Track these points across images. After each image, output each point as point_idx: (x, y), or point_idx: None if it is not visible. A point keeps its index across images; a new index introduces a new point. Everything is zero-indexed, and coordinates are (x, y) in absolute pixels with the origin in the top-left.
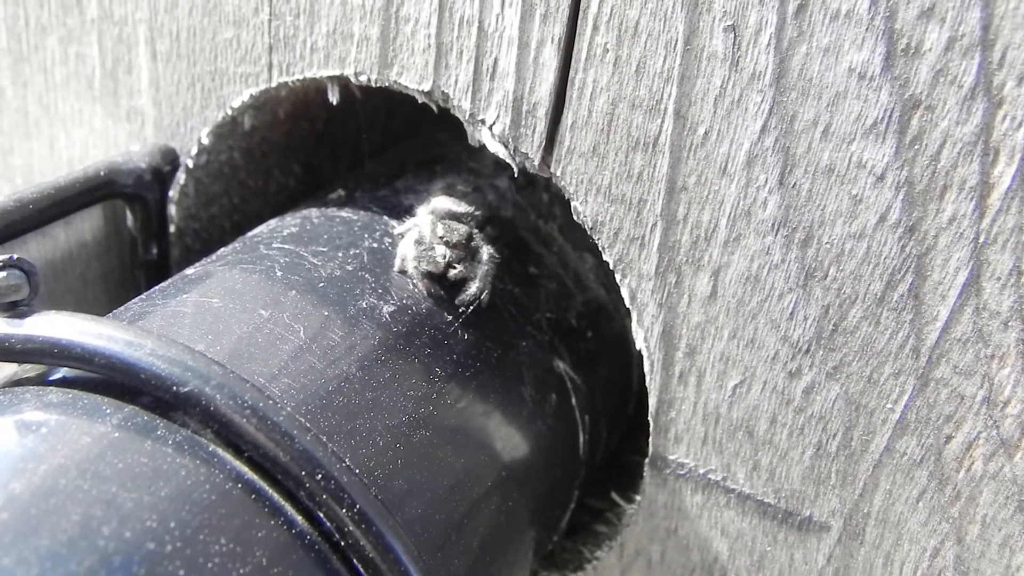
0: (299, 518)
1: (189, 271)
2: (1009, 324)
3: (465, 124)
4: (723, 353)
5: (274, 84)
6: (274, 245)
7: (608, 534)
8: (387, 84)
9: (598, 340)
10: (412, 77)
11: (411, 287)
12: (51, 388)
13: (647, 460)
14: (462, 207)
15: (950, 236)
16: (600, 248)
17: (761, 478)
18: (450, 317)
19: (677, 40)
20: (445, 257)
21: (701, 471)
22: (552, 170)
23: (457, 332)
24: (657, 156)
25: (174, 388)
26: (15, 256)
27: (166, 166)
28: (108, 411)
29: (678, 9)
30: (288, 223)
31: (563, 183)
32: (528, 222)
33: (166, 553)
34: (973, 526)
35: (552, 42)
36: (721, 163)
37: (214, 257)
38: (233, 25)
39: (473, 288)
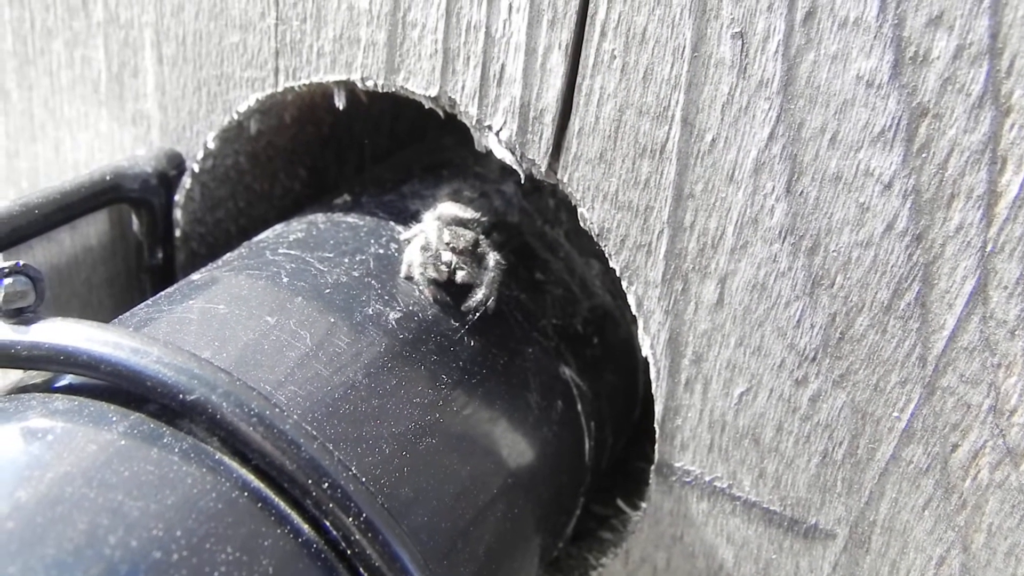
0: (305, 526)
1: (195, 276)
2: (1016, 333)
3: (472, 130)
4: (729, 361)
5: (280, 89)
6: (280, 251)
7: (613, 541)
8: (394, 89)
9: (604, 346)
10: (419, 82)
11: (417, 293)
12: (57, 395)
13: (653, 467)
14: (468, 213)
15: (957, 245)
16: (607, 255)
17: (767, 486)
18: (456, 324)
19: (685, 47)
20: (451, 263)
21: (707, 478)
22: (559, 176)
23: (463, 339)
24: (664, 163)
25: (180, 396)
26: (21, 262)
27: (172, 170)
28: (114, 418)
29: (686, 16)
30: (294, 228)
31: (570, 189)
32: (534, 228)
33: (172, 562)
34: (979, 535)
35: (559, 48)
36: (728, 170)
37: (220, 262)
38: (240, 29)
39: (479, 294)
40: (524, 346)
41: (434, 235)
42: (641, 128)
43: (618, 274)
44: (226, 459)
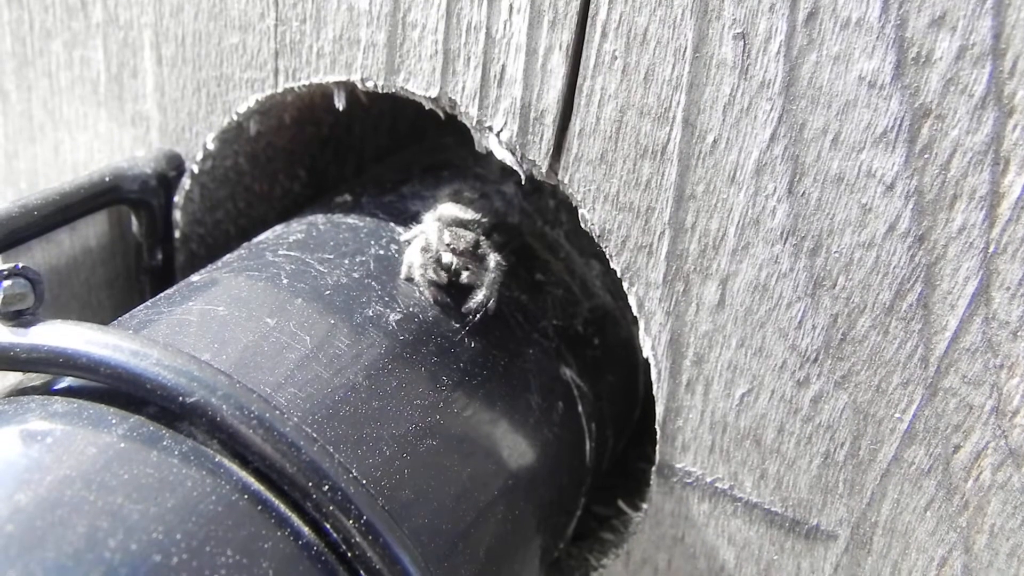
0: (306, 529)
1: (194, 278)
2: (1019, 334)
3: (472, 131)
4: (731, 362)
5: (280, 89)
6: (280, 252)
7: (615, 542)
8: (394, 90)
9: (605, 347)
10: (419, 83)
11: (418, 295)
12: (56, 397)
13: (654, 468)
14: (469, 214)
15: (960, 246)
16: (607, 256)
17: (768, 487)
18: (456, 325)
19: (686, 47)
20: (451, 265)
21: (708, 479)
22: (560, 177)
23: (464, 340)
24: (665, 164)
25: (180, 398)
26: (20, 264)
27: (171, 171)
28: (114, 421)
29: (687, 16)
30: (294, 229)
31: (570, 190)
32: (535, 228)
33: (172, 565)
34: (981, 536)
35: (560, 49)
36: (730, 171)
37: (220, 264)
38: (239, 30)
39: (480, 296)
40: (524, 347)
41: (435, 236)
42: (642, 129)
43: (619, 275)
44: (226, 462)
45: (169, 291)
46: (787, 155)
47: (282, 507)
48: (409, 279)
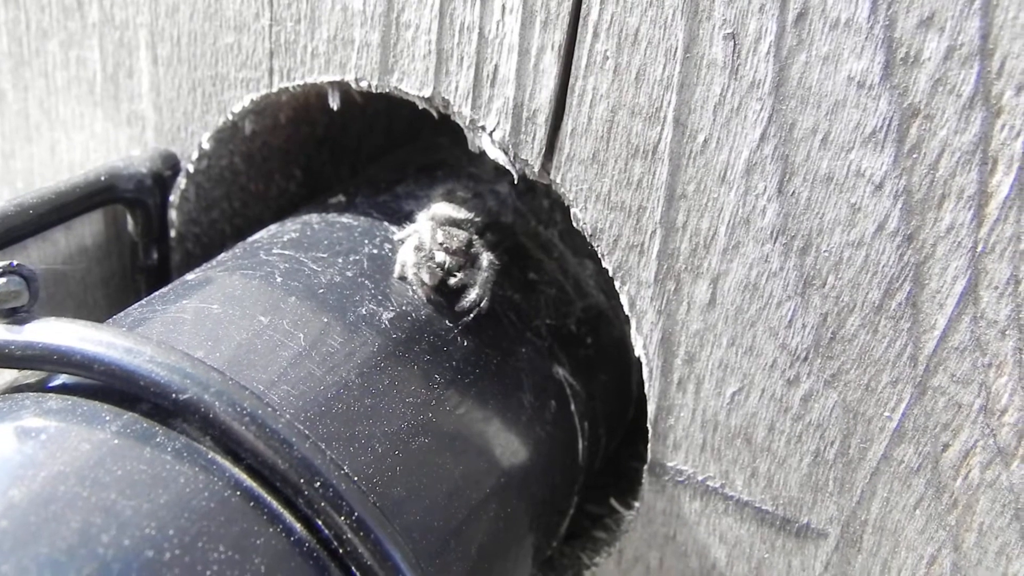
0: (297, 525)
1: (189, 276)
2: (1006, 333)
3: (465, 130)
4: (722, 360)
5: (275, 89)
6: (274, 251)
7: (607, 540)
8: (388, 90)
9: (598, 346)
10: (413, 83)
11: (411, 293)
12: (51, 394)
13: (646, 467)
14: (462, 213)
15: (948, 245)
16: (599, 255)
17: (759, 485)
18: (449, 324)
19: (677, 48)
20: (445, 264)
21: (699, 478)
22: (552, 177)
23: (456, 339)
24: (656, 163)
25: (173, 395)
26: (15, 262)
27: (167, 171)
28: (107, 418)
29: (678, 17)
30: (288, 228)
31: (563, 190)
32: (528, 228)
33: (165, 560)
34: (970, 534)
35: (552, 49)
36: (720, 171)
37: (214, 262)
38: (234, 30)
39: (473, 295)
40: (517, 346)
41: (428, 235)
42: (634, 129)
43: (611, 274)
44: (219, 458)
45: (164, 289)
46: (777, 155)
47: (274, 503)
48: (403, 278)
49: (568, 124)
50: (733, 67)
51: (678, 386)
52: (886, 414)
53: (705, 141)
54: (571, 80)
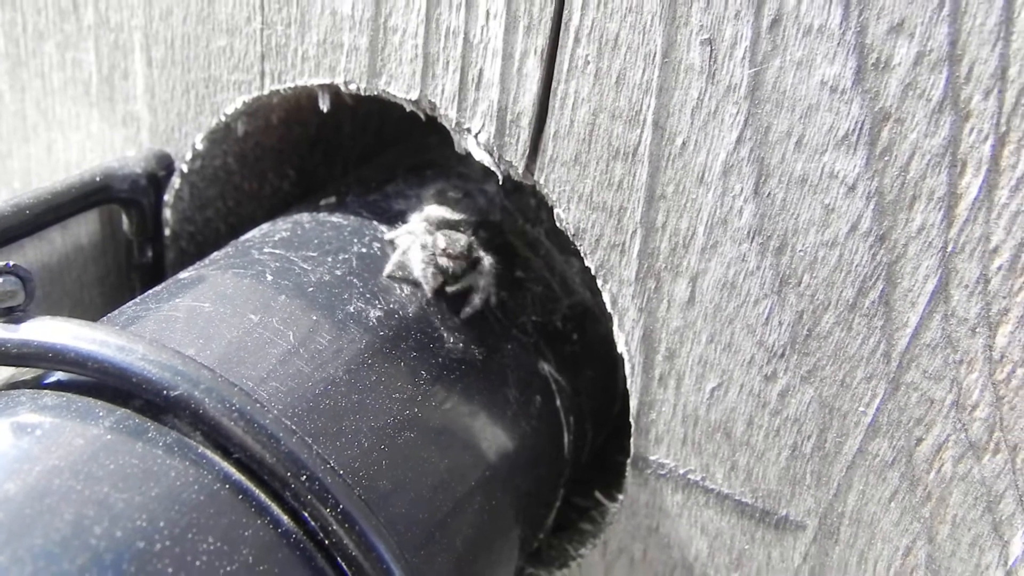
0: (285, 517)
1: (182, 275)
2: (976, 330)
3: (452, 132)
4: (701, 357)
5: (266, 91)
6: (265, 250)
7: (592, 532)
8: (376, 93)
9: (583, 343)
10: (400, 86)
11: (399, 292)
12: (46, 391)
13: (629, 460)
14: (456, 215)
15: (919, 245)
16: (582, 254)
17: (739, 478)
18: (436, 321)
19: (656, 53)
20: (449, 269)
21: (681, 471)
22: (536, 178)
23: (443, 336)
24: (637, 165)
25: (164, 392)
26: (11, 263)
27: (161, 171)
28: (101, 414)
29: (656, 23)
30: (279, 228)
31: (546, 190)
32: (515, 227)
33: (156, 551)
34: (944, 526)
35: (535, 54)
36: (698, 172)
37: (207, 261)
38: (226, 33)
39: (477, 299)
40: (503, 342)
41: (430, 241)
42: (614, 131)
43: (593, 273)
44: (208, 453)
45: (157, 288)
46: (753, 157)
47: (262, 496)
48: (406, 279)
49: (551, 126)
50: (710, 72)
51: (659, 382)
52: (861, 409)
53: (683, 144)
54: (554, 84)
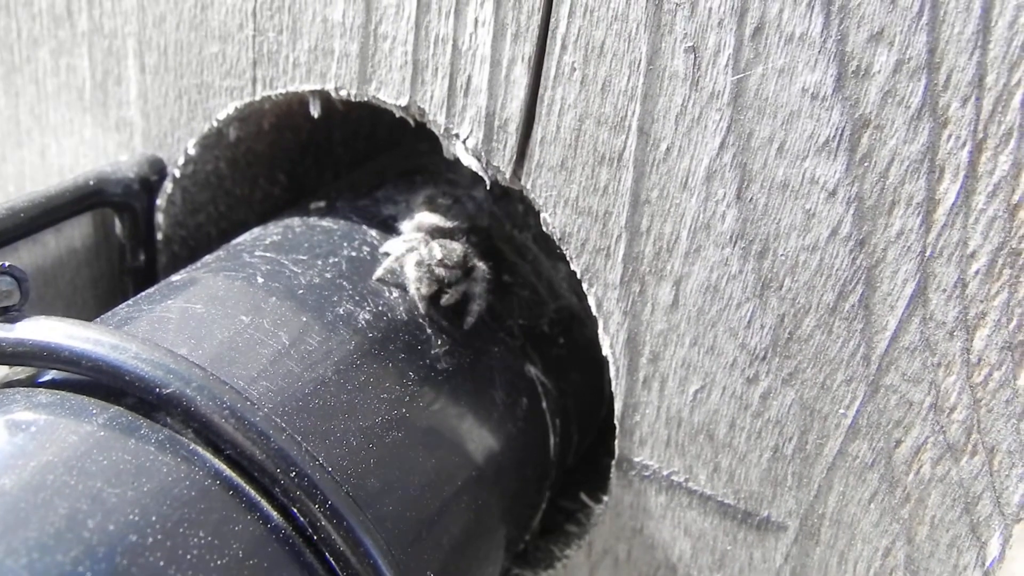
0: (274, 513)
1: (174, 278)
2: (954, 334)
3: (440, 138)
4: (685, 359)
5: (258, 97)
6: (256, 253)
7: (578, 534)
8: (366, 99)
9: (570, 346)
10: (390, 92)
11: (387, 295)
12: (40, 389)
13: (614, 462)
14: (448, 222)
15: (898, 249)
16: (568, 258)
17: (721, 480)
18: (424, 324)
19: (641, 60)
20: (444, 278)
21: (664, 473)
22: (523, 183)
23: (431, 338)
24: (622, 170)
25: (157, 390)
26: (7, 263)
27: (154, 176)
28: (94, 411)
29: (641, 31)
30: (271, 232)
31: (533, 195)
32: (503, 232)
33: (147, 545)
34: (922, 527)
35: (522, 61)
36: (682, 178)
37: (199, 264)
38: (219, 40)
39: (475, 308)
40: (491, 345)
41: (426, 251)
42: (600, 137)
43: (579, 276)
44: (200, 449)
45: (150, 290)
46: (736, 163)
47: (252, 492)
48: (396, 285)
49: (538, 132)
50: (694, 79)
51: (643, 384)
52: (841, 411)
53: (667, 149)
54: (540, 90)
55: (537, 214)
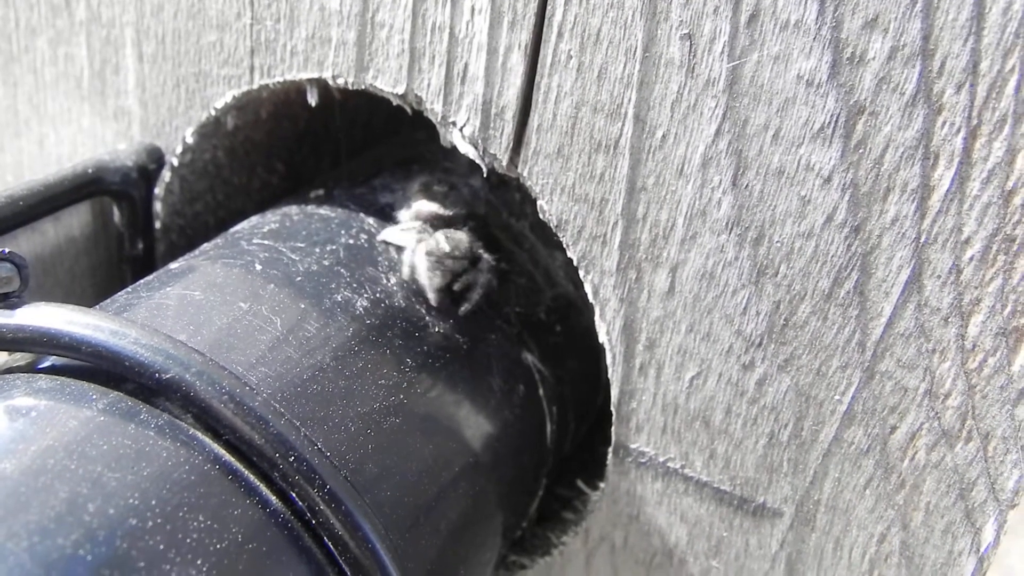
0: (273, 498)
1: (173, 265)
2: (949, 320)
3: (437, 126)
4: (681, 346)
5: (256, 86)
6: (254, 241)
7: (574, 520)
8: (363, 87)
9: (567, 334)
10: (387, 80)
11: (384, 281)
12: (40, 375)
13: (610, 449)
14: (448, 211)
15: (893, 236)
16: (565, 245)
17: (717, 466)
18: (422, 310)
19: (636, 47)
20: (454, 269)
21: (661, 459)
22: (519, 170)
23: (428, 325)
24: (618, 158)
25: (156, 375)
26: (7, 250)
27: (152, 164)
28: (94, 397)
29: (637, 18)
30: (268, 220)
31: (530, 183)
32: (500, 220)
33: (147, 528)
34: (917, 513)
35: (519, 48)
36: (678, 165)
37: (197, 252)
38: (216, 29)
39: (476, 295)
40: (487, 332)
41: (434, 244)
42: (596, 124)
43: (575, 263)
44: (199, 434)
45: (149, 278)
46: (731, 149)
47: (251, 477)
48: (412, 281)
49: (534, 120)
50: (689, 66)
51: (640, 371)
52: (836, 397)
53: (663, 136)
54: (537, 78)
55: (534, 202)
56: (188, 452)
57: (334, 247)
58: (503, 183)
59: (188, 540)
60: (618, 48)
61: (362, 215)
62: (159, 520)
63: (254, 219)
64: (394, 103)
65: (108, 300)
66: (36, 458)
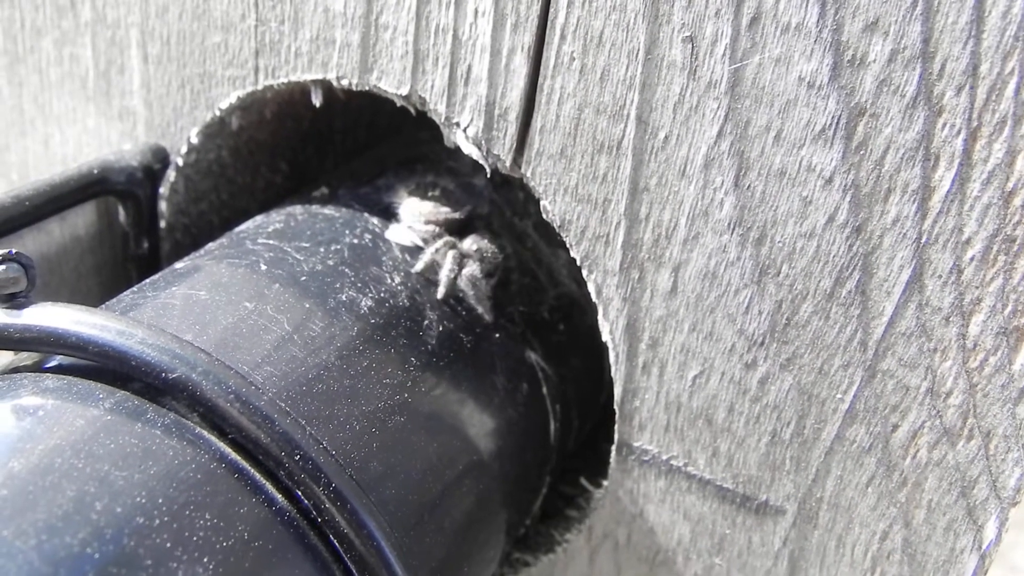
0: (279, 496)
1: (178, 265)
2: (950, 319)
3: (441, 127)
4: (683, 345)
5: (260, 86)
6: (259, 240)
7: (578, 518)
8: (367, 88)
9: (570, 332)
10: (391, 81)
11: (389, 281)
12: (47, 375)
13: (613, 447)
14: (456, 213)
15: (894, 236)
16: (568, 245)
17: (720, 464)
18: (426, 310)
19: (639, 49)
20: (483, 272)
21: (664, 457)
22: (523, 171)
23: (432, 324)
24: (621, 158)
25: (163, 374)
26: (13, 251)
27: (157, 164)
28: (101, 396)
29: (639, 20)
30: (273, 219)
31: (533, 183)
32: (503, 219)
33: (154, 527)
34: (919, 511)
35: (522, 50)
36: (680, 166)
37: (202, 251)
38: (221, 30)
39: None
40: (491, 331)
41: (465, 249)
42: (599, 126)
43: (579, 263)
44: (205, 433)
45: (154, 277)
46: (733, 151)
47: (257, 475)
48: (431, 279)
49: (537, 121)
50: (691, 68)
51: (643, 370)
52: (838, 396)
53: (666, 138)
54: (540, 79)
55: (537, 202)
56: (194, 451)
57: (338, 247)
58: (507, 182)
59: (195, 538)
60: (620, 50)
61: (366, 215)
62: (166, 518)
63: (259, 219)
64: (398, 104)
65: (114, 300)
66: (44, 457)
